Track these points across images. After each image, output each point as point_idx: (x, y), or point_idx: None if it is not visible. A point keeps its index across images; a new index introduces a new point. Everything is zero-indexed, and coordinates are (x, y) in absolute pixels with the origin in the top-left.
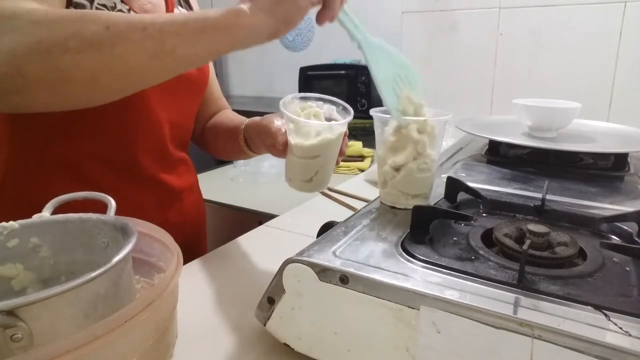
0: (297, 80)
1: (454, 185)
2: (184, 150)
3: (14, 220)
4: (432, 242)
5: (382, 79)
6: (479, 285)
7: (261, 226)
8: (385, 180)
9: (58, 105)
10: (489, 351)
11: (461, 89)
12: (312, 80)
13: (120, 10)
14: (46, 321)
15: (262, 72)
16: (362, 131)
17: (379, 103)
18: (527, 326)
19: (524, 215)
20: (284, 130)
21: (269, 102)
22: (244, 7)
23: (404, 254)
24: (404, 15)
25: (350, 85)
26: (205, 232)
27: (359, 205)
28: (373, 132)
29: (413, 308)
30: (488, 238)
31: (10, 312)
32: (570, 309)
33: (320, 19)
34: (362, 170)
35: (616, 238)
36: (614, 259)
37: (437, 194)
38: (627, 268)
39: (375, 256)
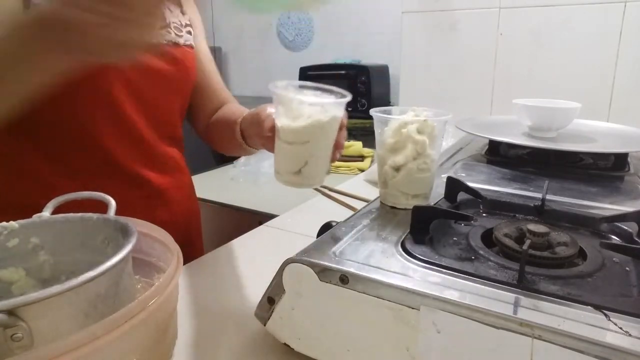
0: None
1: (454, 185)
2: (172, 147)
3: None
4: (432, 242)
5: None
6: (479, 285)
7: (261, 226)
8: (385, 180)
9: None
10: (489, 351)
11: (461, 89)
12: (312, 80)
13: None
14: (46, 321)
15: (262, 72)
16: (362, 131)
17: (379, 103)
18: (527, 326)
19: (524, 215)
20: (273, 116)
21: (269, 102)
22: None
23: (404, 254)
24: (404, 15)
25: (350, 85)
26: (201, 232)
27: (359, 205)
28: (373, 132)
29: (413, 308)
30: (488, 238)
31: (11, 312)
32: (570, 309)
33: None
34: (362, 170)
35: (616, 238)
36: (614, 259)
37: (437, 194)
38: (627, 268)
39: (375, 256)
